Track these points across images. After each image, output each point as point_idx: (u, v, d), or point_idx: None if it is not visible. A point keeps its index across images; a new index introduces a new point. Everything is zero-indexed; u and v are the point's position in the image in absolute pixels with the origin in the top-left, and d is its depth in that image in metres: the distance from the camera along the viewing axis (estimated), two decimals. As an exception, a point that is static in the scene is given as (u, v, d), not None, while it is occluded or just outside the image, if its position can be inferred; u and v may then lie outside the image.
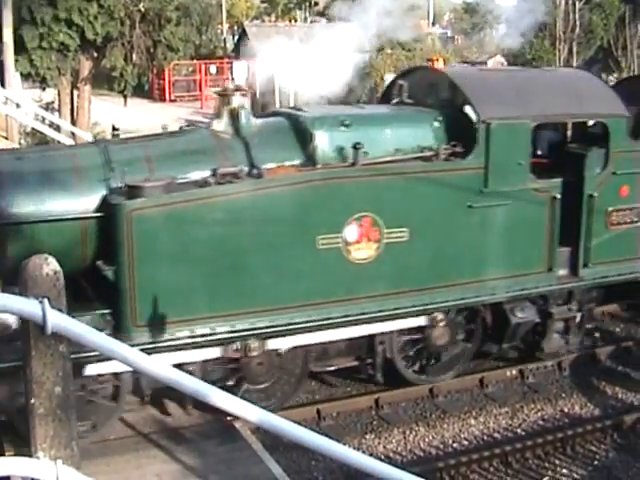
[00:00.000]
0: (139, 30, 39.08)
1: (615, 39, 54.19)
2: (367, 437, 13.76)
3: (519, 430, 14.14)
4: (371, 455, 12.88)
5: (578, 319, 15.49)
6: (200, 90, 63.91)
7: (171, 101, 62.37)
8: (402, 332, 13.98)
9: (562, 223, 14.40)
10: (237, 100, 12.92)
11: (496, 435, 14.00)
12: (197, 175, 12.13)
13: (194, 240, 11.55)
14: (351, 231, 12.56)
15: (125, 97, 39.20)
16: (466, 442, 13.78)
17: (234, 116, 12.82)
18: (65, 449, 4.65)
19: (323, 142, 12.78)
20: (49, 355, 4.59)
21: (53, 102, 37.71)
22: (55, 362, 4.57)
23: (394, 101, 15.33)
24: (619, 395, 15.29)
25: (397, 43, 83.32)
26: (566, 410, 14.76)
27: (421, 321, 13.84)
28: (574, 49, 53.75)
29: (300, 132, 12.91)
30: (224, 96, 13.00)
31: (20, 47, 31.21)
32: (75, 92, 37.02)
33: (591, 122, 15.96)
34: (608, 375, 16.03)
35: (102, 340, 4.11)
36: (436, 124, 13.74)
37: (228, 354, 12.51)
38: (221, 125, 12.88)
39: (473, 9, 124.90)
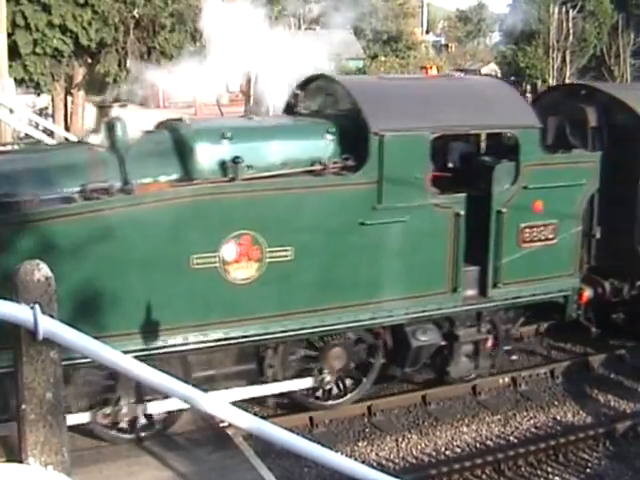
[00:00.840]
0: (133, 36, 39.08)
1: (608, 47, 54.33)
2: (359, 444, 13.74)
3: (512, 438, 14.13)
4: (363, 462, 12.86)
5: (490, 341, 14.81)
6: (195, 97, 63.84)
7: (165, 107, 62.32)
8: (293, 355, 13.41)
9: (471, 241, 13.68)
10: (115, 112, 12.25)
11: (489, 443, 13.99)
12: (65, 191, 11.31)
13: (55, 259, 9.95)
14: (229, 250, 11.83)
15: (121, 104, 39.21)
16: (459, 450, 13.77)
17: (110, 129, 12.10)
18: (56, 455, 4.63)
19: (203, 156, 12.05)
20: (40, 361, 4.57)
21: (47, 108, 37.75)
22: (46, 368, 4.55)
23: (296, 112, 14.76)
24: (612, 403, 15.30)
25: (391, 50, 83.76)
26: (558, 418, 14.76)
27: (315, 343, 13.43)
28: (567, 57, 53.84)
29: (180, 146, 12.18)
30: (102, 108, 12.40)
31: (14, 53, 31.18)
32: (69, 98, 37.03)
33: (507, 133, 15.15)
34: (601, 383, 16.04)
35: (94, 346, 4.10)
36: (329, 136, 12.92)
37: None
38: (98, 138, 12.20)
39: (467, 17, 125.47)
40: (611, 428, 14.14)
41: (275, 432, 4.39)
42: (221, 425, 12.04)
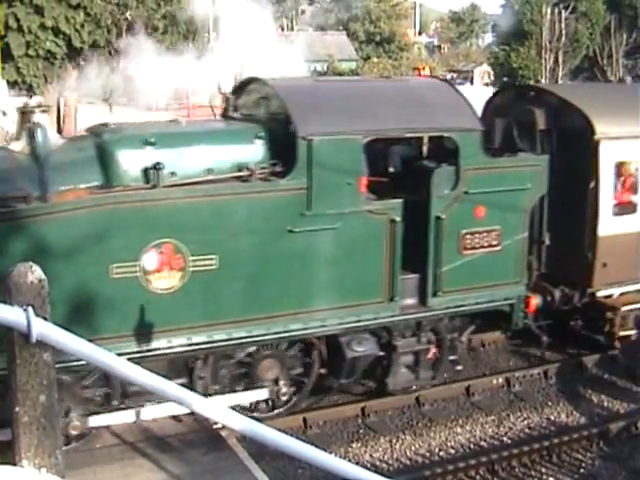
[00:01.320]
0: (126, 38, 39.10)
1: (601, 48, 54.53)
2: (353, 446, 13.73)
3: (505, 438, 14.14)
4: (357, 464, 12.87)
5: (432, 351, 14.39)
6: (187, 98, 63.82)
7: (157, 109, 62.31)
8: (223, 366, 12.99)
9: (410, 248, 13.30)
10: (37, 117, 11.80)
11: (482, 443, 13.99)
12: None
13: None
14: (150, 259, 11.43)
15: (110, 105, 39.16)
16: (453, 450, 13.78)
17: (31, 135, 11.68)
18: (49, 457, 4.63)
19: (125, 162, 11.64)
20: (34, 364, 4.58)
21: (39, 110, 37.64)
22: (40, 371, 4.56)
23: (230, 116, 14.47)
24: (605, 403, 15.31)
25: (383, 52, 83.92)
26: (552, 418, 14.77)
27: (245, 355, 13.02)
28: (560, 58, 54.01)
29: (102, 152, 11.76)
30: (24, 113, 11.88)
31: (6, 55, 31.19)
32: (62, 100, 36.99)
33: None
34: (594, 383, 16.05)
35: (88, 348, 4.11)
36: (258, 141, 12.54)
37: None
38: (19, 145, 11.89)
39: (459, 18, 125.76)
40: (605, 428, 14.15)
41: (268, 433, 4.39)
42: (215, 427, 12.03)
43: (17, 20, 31.67)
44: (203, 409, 4.25)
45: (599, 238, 15.23)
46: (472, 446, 13.91)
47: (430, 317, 13.96)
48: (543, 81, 52.64)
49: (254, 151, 12.50)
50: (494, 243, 14.00)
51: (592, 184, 15.09)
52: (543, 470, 13.22)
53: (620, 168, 15.44)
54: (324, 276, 12.72)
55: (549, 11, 53.94)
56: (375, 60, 73.68)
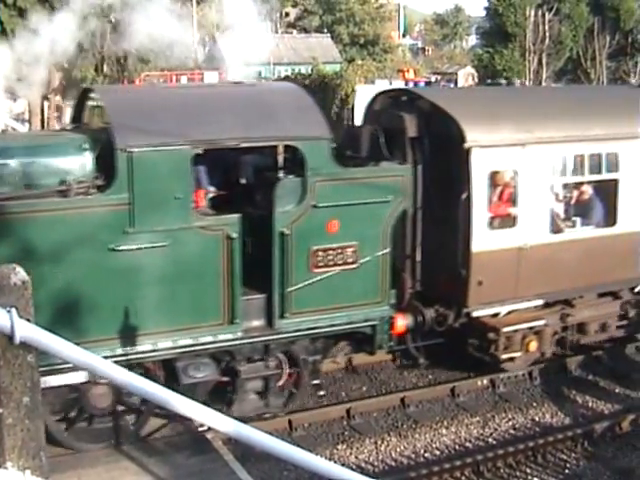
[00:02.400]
0: (110, 41, 39.02)
1: (584, 50, 54.70)
2: (339, 447, 13.73)
3: (490, 439, 14.16)
4: (343, 465, 12.85)
5: (285, 376, 13.35)
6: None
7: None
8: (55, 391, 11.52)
9: (258, 266, 12.57)
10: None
11: (467, 444, 14.01)
12: None
13: None
14: None
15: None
16: (438, 452, 13.78)
17: None
18: (33, 459, 4.62)
19: None
20: (17, 365, 4.57)
21: (23, 113, 37.61)
22: (23, 372, 4.55)
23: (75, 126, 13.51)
24: (589, 404, 15.35)
25: (368, 54, 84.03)
26: (537, 419, 14.80)
27: (80, 377, 11.34)
28: (544, 60, 54.18)
29: None
30: None
31: (-11, 58, 31.11)
32: (46, 103, 36.94)
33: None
34: (579, 384, 16.09)
35: (71, 350, 4.10)
36: (83, 153, 11.70)
37: None
38: None
39: (443, 20, 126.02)
40: (589, 429, 14.18)
41: (254, 435, 4.39)
42: (200, 429, 12.02)
43: (0, 23, 31.62)
44: (189, 411, 4.25)
45: (473, 254, 14.20)
46: (457, 447, 13.92)
47: (278, 340, 12.94)
48: (527, 83, 52.78)
49: (79, 164, 11.66)
50: (350, 260, 13.00)
51: (464, 195, 14.04)
52: (528, 471, 13.24)
53: (495, 178, 14.50)
54: (154, 297, 11.75)
55: (532, 13, 54.09)
56: (359, 62, 73.66)
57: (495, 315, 15.00)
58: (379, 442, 13.92)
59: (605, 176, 15.62)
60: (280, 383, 13.36)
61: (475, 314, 14.67)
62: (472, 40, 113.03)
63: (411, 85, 52.53)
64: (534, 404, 15.31)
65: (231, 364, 12.82)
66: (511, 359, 15.45)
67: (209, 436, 12.00)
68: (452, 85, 71.46)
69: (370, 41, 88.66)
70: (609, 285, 16.09)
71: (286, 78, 66.01)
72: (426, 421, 14.59)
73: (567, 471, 13.28)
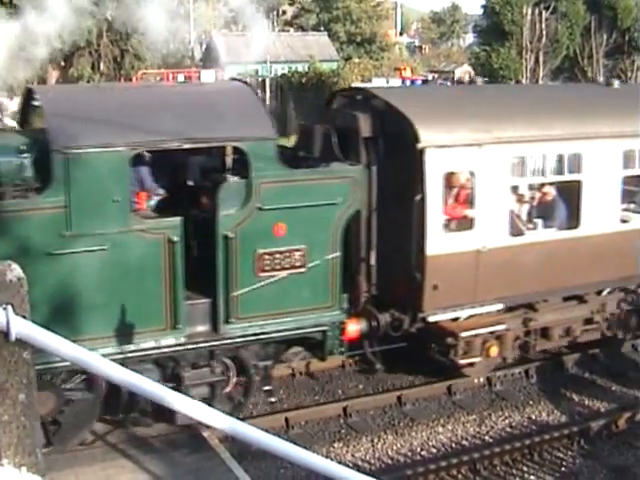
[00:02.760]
0: (106, 39, 39.10)
1: (581, 48, 54.69)
2: (335, 445, 13.75)
3: (487, 437, 14.18)
4: (339, 463, 12.85)
5: (232, 383, 13.02)
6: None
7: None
8: None
9: (201, 270, 12.33)
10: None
11: (464, 442, 14.03)
12: None
13: None
14: None
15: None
16: (434, 450, 13.80)
17: None
18: (29, 456, 4.61)
19: None
20: (13, 362, 4.56)
21: (20, 111, 37.61)
22: (19, 369, 4.53)
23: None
24: (585, 402, 15.37)
25: (364, 52, 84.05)
26: (533, 417, 14.82)
27: None
28: (540, 58, 54.16)
29: None
30: None
31: (-14, 56, 31.09)
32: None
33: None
34: (575, 382, 16.11)
35: (67, 347, 4.09)
36: (20, 155, 11.45)
37: None
38: None
39: (440, 19, 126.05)
40: (585, 427, 14.21)
41: (250, 432, 4.38)
42: (197, 427, 12.03)
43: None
44: (184, 408, 4.24)
45: (428, 257, 13.76)
46: (454, 445, 13.95)
47: (224, 346, 12.62)
48: (524, 81, 52.80)
49: (16, 166, 11.44)
50: (298, 264, 12.68)
51: (418, 197, 13.56)
52: (524, 469, 13.27)
53: (450, 179, 14.12)
54: (94, 302, 11.43)
55: (529, 11, 54.08)
56: (356, 60, 73.70)
57: (455, 319, 14.62)
58: (376, 440, 13.93)
59: (568, 177, 15.17)
60: (227, 389, 13.01)
61: (431, 319, 14.24)
62: (469, 38, 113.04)
63: (408, 83, 52.55)
64: (530, 402, 15.33)
65: (175, 370, 12.45)
66: (471, 364, 15.22)
67: (205, 434, 12.02)
68: (449, 83, 71.55)
69: (367, 39, 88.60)
70: (574, 289, 15.69)
71: (283, 76, 66.11)
72: (423, 419, 14.61)
73: (563, 469, 13.30)
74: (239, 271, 12.34)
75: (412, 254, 13.82)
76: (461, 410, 14.98)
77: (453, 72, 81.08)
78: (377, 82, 52.96)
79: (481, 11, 63.73)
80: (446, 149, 13.76)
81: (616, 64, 55.74)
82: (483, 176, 14.14)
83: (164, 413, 12.03)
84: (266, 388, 13.60)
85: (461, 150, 13.95)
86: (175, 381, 12.35)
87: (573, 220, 15.32)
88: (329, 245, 12.88)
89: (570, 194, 15.36)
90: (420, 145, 13.49)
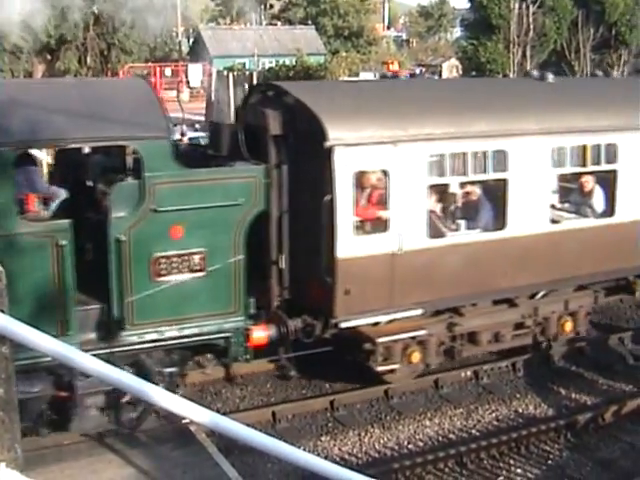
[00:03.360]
0: (93, 33, 38.99)
1: (568, 42, 54.75)
2: (322, 439, 13.73)
3: (474, 431, 14.17)
4: (326, 457, 12.89)
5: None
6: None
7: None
8: None
9: (98, 275, 11.83)
10: None
11: (451, 436, 14.02)
12: None
13: None
14: None
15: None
16: (421, 443, 13.79)
17: None
18: (8, 452, 4.58)
19: None
20: (-9, 357, 4.55)
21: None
22: (-2, 364, 4.53)
23: None
24: (572, 395, 15.37)
25: (352, 46, 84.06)
26: (520, 410, 14.82)
27: None
28: (528, 52, 54.23)
29: None
30: None
31: (-28, 49, 31.03)
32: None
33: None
34: (562, 375, 16.11)
35: (46, 341, 4.07)
36: None
37: None
38: None
39: (428, 12, 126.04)
40: (572, 420, 14.21)
41: (233, 427, 4.36)
42: (183, 422, 11.99)
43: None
44: (166, 403, 4.23)
45: (338, 261, 13.11)
46: (441, 439, 13.93)
47: (120, 353, 12.04)
48: (511, 75, 52.84)
49: None
50: (197, 268, 12.27)
51: (327, 197, 12.96)
52: (511, 462, 13.26)
53: (362, 179, 13.52)
54: None
55: (517, 5, 54.13)
56: (343, 54, 73.75)
57: (376, 324, 14.02)
58: (363, 434, 13.92)
59: (492, 176, 14.58)
60: (126, 398, 12.23)
61: (344, 325, 13.61)
62: (456, 32, 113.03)
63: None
64: (517, 395, 15.32)
65: (68, 378, 11.77)
66: (391, 371, 14.68)
67: (192, 428, 11.99)
68: (436, 77, 71.61)
69: (354, 33, 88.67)
70: (503, 292, 15.14)
71: (270, 70, 66.03)
72: (410, 413, 14.60)
73: (550, 462, 13.30)
74: (133, 276, 11.85)
75: (322, 257, 13.27)
76: (448, 403, 14.97)
77: (440, 66, 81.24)
78: (365, 76, 52.95)
79: (468, 5, 63.71)
80: (356, 147, 13.12)
81: (603, 58, 55.86)
82: (398, 175, 13.48)
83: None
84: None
85: (373, 148, 13.31)
86: (69, 390, 11.84)
87: (499, 221, 14.72)
88: (231, 248, 12.50)
89: (496, 194, 14.81)
90: (328, 143, 12.86)
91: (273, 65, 74.99)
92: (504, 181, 14.49)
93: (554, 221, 15.29)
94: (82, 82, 13.40)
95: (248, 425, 4.75)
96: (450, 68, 78.97)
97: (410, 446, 13.70)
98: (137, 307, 11.95)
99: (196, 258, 12.20)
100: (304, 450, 12.03)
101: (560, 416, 14.56)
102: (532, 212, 14.81)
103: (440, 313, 14.75)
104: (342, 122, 13.21)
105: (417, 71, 75.21)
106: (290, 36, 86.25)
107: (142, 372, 12.03)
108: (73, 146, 11.82)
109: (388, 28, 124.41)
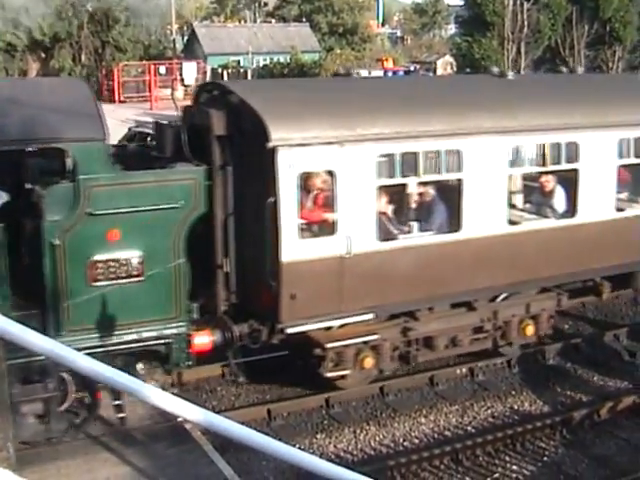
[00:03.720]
0: (87, 30, 38.93)
1: (563, 39, 54.73)
2: (318, 437, 13.73)
3: (469, 427, 14.19)
4: (322, 455, 12.91)
5: (71, 398, 12.01)
6: (150, 91, 63.49)
7: (120, 102, 61.90)
8: None
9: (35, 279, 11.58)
10: None
11: (446, 433, 14.03)
12: None
13: None
14: None
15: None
16: (417, 440, 13.80)
17: None
18: (0, 451, 4.57)
19: None
20: (-18, 356, 4.53)
21: None
22: (-10, 363, 4.51)
23: None
24: (568, 392, 15.39)
25: (346, 43, 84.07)
26: (516, 407, 14.83)
27: None
28: (522, 49, 54.24)
29: None
30: None
31: (-34, 48, 31.04)
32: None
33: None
34: (557, 372, 16.13)
35: (38, 340, 4.04)
36: None
37: None
38: None
39: (422, 9, 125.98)
40: (568, 416, 14.22)
41: (226, 425, 4.35)
42: (178, 420, 11.98)
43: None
44: (159, 400, 4.21)
45: (283, 264, 12.68)
46: (436, 436, 13.95)
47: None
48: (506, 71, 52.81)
49: None
50: (135, 272, 11.99)
51: (271, 199, 12.57)
52: (507, 459, 13.27)
53: (307, 180, 13.23)
54: None
55: (511, 2, 54.12)
56: (338, 51, 73.77)
57: (328, 329, 13.66)
58: (358, 431, 13.93)
59: (446, 176, 14.14)
60: (65, 405, 12.02)
61: (290, 330, 13.19)
62: (451, 29, 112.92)
63: (390, 74, 52.39)
64: (513, 392, 15.34)
65: None
66: (342, 377, 14.26)
67: (188, 426, 11.98)
68: (431, 74, 71.58)
69: (349, 30, 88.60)
70: (459, 296, 14.74)
71: (265, 67, 66.00)
72: (405, 410, 14.61)
73: (546, 459, 13.32)
74: (69, 280, 11.59)
75: (267, 261, 12.90)
76: (443, 401, 14.98)
77: (435, 63, 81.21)
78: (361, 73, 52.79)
79: (463, 2, 63.71)
80: (301, 148, 12.70)
81: (597, 55, 55.85)
82: (345, 177, 13.06)
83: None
84: (116, 402, 12.44)
85: (319, 149, 12.89)
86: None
87: (454, 222, 14.25)
88: (171, 251, 12.25)
89: (451, 195, 14.31)
90: (271, 144, 12.41)
91: (267, 63, 75.04)
92: (459, 181, 14.06)
93: (513, 222, 14.85)
94: (18, 82, 13.01)
95: (243, 423, 4.73)
96: (444, 65, 78.98)
97: (405, 443, 13.72)
98: (73, 312, 11.68)
99: (134, 262, 11.95)
100: (299, 448, 12.08)
101: (556, 413, 14.57)
102: (489, 213, 14.36)
103: (396, 317, 14.40)
104: (286, 122, 12.83)
105: (412, 68, 75.13)
106: (284, 34, 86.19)
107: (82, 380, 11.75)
108: (4, 148, 11.27)
109: (382, 25, 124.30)
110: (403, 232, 14.31)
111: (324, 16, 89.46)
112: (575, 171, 15.04)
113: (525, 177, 16.03)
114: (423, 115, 13.97)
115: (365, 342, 13.99)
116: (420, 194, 14.65)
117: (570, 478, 12.80)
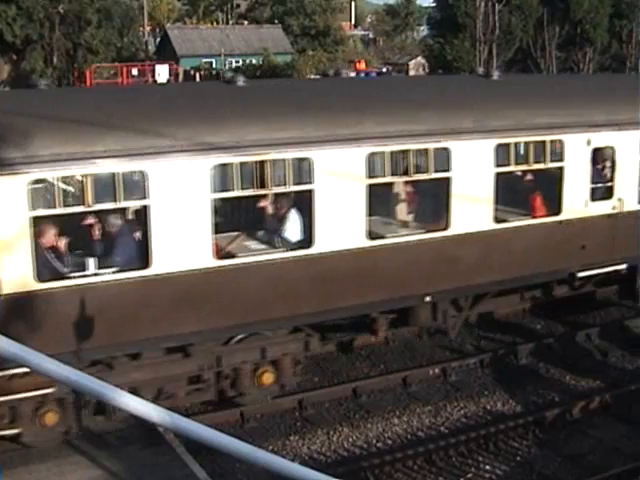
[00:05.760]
0: (59, 32, 38.75)
1: (534, 40, 55.05)
2: (291, 439, 13.71)
3: (442, 428, 14.21)
4: (295, 457, 12.90)
5: None
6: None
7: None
8: None
9: None
10: None
11: (420, 434, 14.04)
12: None
13: None
14: None
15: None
16: (390, 441, 13.81)
17: None
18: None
19: None
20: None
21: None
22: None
23: None
24: (540, 391, 15.44)
25: (319, 45, 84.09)
26: (488, 407, 14.87)
27: None
28: (494, 50, 54.51)
29: None
30: None
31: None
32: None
33: None
34: (530, 372, 16.18)
35: (6, 344, 4.02)
36: None
37: None
38: None
39: (394, 11, 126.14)
40: (540, 416, 14.28)
41: (193, 428, 4.33)
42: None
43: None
44: (124, 403, 4.19)
45: None
46: (409, 436, 13.96)
47: None
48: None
49: None
50: None
51: None
52: (480, 459, 13.30)
53: None
54: None
55: (483, 4, 54.40)
56: (310, 53, 73.83)
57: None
58: (331, 432, 13.92)
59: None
60: None
61: None
62: (423, 30, 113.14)
63: (362, 75, 52.35)
64: (485, 392, 15.37)
65: None
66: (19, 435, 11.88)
67: (161, 429, 11.93)
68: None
69: (321, 32, 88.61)
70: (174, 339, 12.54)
71: (237, 69, 65.89)
72: (378, 411, 14.61)
73: (519, 458, 13.36)
74: None
75: None
76: (416, 401, 14.99)
77: (407, 64, 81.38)
78: (332, 75, 52.71)
79: (435, 3, 63.95)
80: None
81: (569, 56, 56.20)
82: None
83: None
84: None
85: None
86: None
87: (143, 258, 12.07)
88: None
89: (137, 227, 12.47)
90: None
91: (240, 64, 74.94)
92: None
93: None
94: None
95: (216, 426, 4.71)
96: (417, 66, 79.17)
97: (379, 444, 13.72)
98: None
99: None
100: (272, 450, 12.10)
101: (528, 412, 14.63)
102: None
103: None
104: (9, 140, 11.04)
105: (384, 69, 75.29)
106: (257, 35, 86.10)
107: None
108: None
109: (355, 27, 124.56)
110: (76, 269, 12.04)
111: (296, 18, 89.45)
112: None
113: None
114: (241, 126, 12.47)
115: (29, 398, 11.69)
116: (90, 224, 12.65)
117: (543, 477, 12.85)
